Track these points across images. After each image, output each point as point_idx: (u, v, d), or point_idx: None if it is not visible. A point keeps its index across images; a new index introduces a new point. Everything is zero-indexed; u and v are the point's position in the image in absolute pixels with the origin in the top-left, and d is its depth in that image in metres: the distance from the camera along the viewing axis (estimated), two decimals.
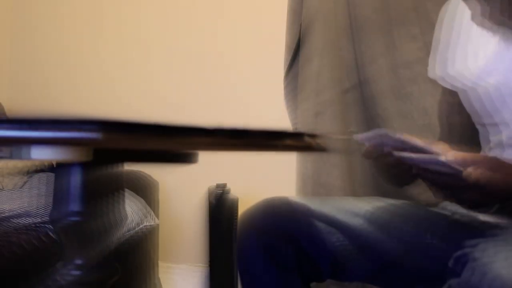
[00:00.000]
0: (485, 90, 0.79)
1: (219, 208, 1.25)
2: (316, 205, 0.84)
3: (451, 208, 0.84)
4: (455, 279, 0.58)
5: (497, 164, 0.69)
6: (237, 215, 1.42)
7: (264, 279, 0.79)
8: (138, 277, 1.53)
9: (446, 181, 0.68)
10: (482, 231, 0.68)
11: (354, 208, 0.85)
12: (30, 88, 2.26)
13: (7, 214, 1.19)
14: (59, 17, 2.25)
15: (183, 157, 0.62)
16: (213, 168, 1.72)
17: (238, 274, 0.82)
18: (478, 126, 0.87)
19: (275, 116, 1.60)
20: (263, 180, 1.82)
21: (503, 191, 0.66)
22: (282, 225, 0.80)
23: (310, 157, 1.42)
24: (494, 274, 0.54)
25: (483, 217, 0.78)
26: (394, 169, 0.75)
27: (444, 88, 0.94)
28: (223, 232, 1.03)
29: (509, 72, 0.77)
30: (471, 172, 0.64)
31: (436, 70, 0.91)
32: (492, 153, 0.82)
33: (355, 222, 0.81)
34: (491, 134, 0.82)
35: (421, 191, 1.26)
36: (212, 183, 1.48)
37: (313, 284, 0.83)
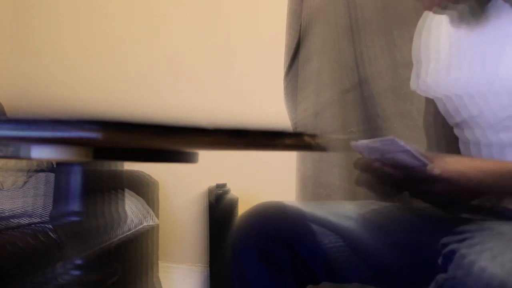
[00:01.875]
0: (454, 96, 0.81)
1: (219, 208, 1.25)
2: (310, 208, 0.84)
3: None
4: (442, 275, 0.59)
5: (461, 160, 0.74)
6: (237, 215, 1.42)
7: (259, 283, 0.79)
8: (138, 277, 1.53)
9: (412, 175, 0.69)
10: (470, 227, 0.69)
11: (348, 211, 0.85)
12: (30, 88, 2.26)
13: (7, 214, 1.20)
14: (59, 17, 2.25)
15: (183, 157, 0.62)
16: (213, 168, 1.72)
17: (232, 279, 0.81)
18: (455, 130, 0.89)
19: (275, 115, 1.60)
20: (263, 180, 1.82)
21: (468, 185, 0.68)
22: (276, 229, 0.80)
23: (310, 157, 1.42)
24: (479, 268, 0.54)
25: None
26: (382, 182, 0.76)
27: (427, 99, 0.96)
28: (223, 232, 1.03)
29: (468, 71, 0.79)
30: (434, 165, 0.66)
31: (413, 82, 0.95)
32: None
33: (349, 225, 0.81)
34: (466, 133, 0.84)
35: None
36: (212, 183, 1.48)
37: (309, 287, 0.83)
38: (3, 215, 1.18)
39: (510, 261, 0.55)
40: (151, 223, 1.61)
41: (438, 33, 0.88)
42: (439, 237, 0.75)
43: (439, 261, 0.62)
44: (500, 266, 0.54)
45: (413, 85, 0.96)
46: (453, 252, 0.59)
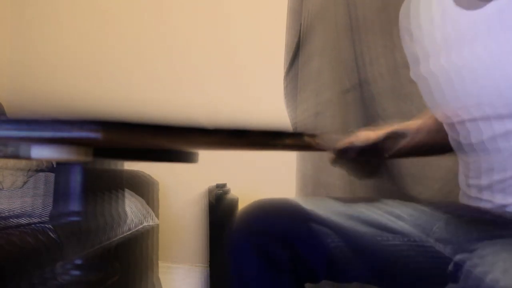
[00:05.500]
0: (447, 75, 0.77)
1: (219, 208, 1.25)
2: (310, 206, 0.83)
3: (448, 208, 0.84)
4: (452, 285, 0.58)
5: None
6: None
7: (257, 281, 0.78)
8: (138, 277, 1.53)
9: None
10: (482, 233, 0.68)
11: (349, 209, 0.84)
12: (30, 88, 2.26)
13: (6, 213, 1.20)
14: (59, 17, 2.25)
15: (183, 157, 0.62)
16: (213, 168, 1.72)
17: (231, 276, 0.80)
18: (445, 125, 0.87)
19: (275, 115, 1.60)
20: (263, 180, 1.82)
21: None
22: (275, 226, 0.79)
23: (310, 157, 1.42)
24: (491, 281, 0.53)
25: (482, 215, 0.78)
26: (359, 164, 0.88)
27: None
28: (223, 232, 1.03)
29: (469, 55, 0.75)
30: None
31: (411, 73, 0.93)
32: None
33: (350, 224, 0.80)
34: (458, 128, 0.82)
35: (422, 191, 1.26)
36: (212, 183, 1.48)
37: (307, 285, 0.82)
38: (2, 215, 1.18)
39: None
40: (151, 223, 1.61)
41: (426, 21, 0.87)
42: (446, 238, 0.74)
43: (450, 267, 0.61)
44: None
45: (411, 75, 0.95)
46: (463, 261, 0.58)
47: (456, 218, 0.79)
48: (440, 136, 0.88)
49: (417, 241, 0.79)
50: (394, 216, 0.82)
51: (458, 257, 0.60)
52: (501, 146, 0.72)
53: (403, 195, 1.23)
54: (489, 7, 0.71)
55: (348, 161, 0.92)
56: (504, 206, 0.74)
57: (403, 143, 0.88)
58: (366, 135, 0.89)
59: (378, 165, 0.96)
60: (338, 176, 1.38)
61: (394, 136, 0.88)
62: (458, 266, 0.59)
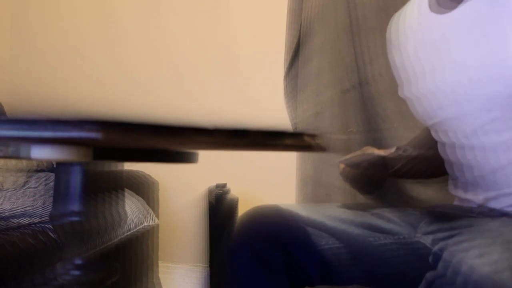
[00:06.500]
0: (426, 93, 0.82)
1: (219, 208, 1.25)
2: (305, 212, 0.85)
3: (440, 209, 0.85)
4: (431, 272, 0.59)
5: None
6: (237, 215, 1.42)
7: (253, 284, 0.79)
8: (138, 277, 1.53)
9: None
10: (459, 224, 0.70)
11: (342, 214, 0.86)
12: (30, 88, 2.26)
13: (7, 214, 1.20)
14: (59, 17, 2.25)
15: (183, 157, 0.62)
16: (213, 168, 1.72)
17: (228, 279, 0.82)
18: (432, 132, 0.89)
19: (275, 115, 1.60)
20: (263, 180, 1.82)
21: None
22: (270, 231, 0.81)
23: (310, 157, 1.42)
24: (467, 267, 0.54)
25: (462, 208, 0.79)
26: (364, 179, 0.91)
27: None
28: (223, 232, 1.03)
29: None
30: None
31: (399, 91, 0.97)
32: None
33: (343, 227, 0.82)
34: (441, 135, 0.84)
35: (422, 191, 1.26)
36: (212, 183, 1.48)
37: None
38: (3, 215, 1.18)
39: (497, 258, 0.55)
40: (151, 223, 1.61)
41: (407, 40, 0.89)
42: (429, 232, 0.77)
43: (430, 259, 0.62)
44: (487, 264, 0.54)
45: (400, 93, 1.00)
46: (441, 250, 0.60)
47: (442, 214, 0.81)
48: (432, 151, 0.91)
49: (406, 238, 0.80)
50: (385, 220, 0.84)
51: (436, 247, 0.62)
52: (482, 140, 0.74)
53: (403, 195, 1.23)
54: (458, 10, 0.74)
55: (358, 174, 0.93)
56: (487, 200, 0.76)
57: (406, 158, 0.92)
58: (379, 150, 0.92)
59: (381, 182, 0.97)
60: (337, 177, 1.38)
61: (399, 153, 0.91)
62: (437, 255, 0.60)
